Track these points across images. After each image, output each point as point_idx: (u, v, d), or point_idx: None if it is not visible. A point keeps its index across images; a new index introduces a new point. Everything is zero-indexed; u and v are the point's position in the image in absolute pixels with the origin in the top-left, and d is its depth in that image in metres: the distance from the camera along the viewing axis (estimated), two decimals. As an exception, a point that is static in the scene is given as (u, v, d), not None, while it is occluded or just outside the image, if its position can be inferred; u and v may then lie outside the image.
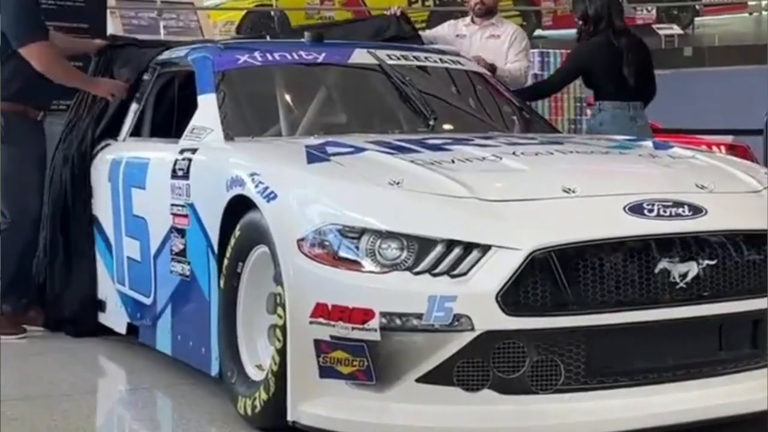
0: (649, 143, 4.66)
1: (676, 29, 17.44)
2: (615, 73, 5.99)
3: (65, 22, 7.16)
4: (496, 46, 6.31)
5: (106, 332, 5.47)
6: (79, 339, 5.53)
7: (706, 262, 3.62)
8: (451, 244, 3.47)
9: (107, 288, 5.40)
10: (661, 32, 17.24)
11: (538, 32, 18.57)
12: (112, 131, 5.66)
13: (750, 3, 20.83)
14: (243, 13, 15.83)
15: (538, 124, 5.48)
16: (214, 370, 4.21)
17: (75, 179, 5.58)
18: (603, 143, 4.65)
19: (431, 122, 4.97)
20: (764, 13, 21.34)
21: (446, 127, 5.08)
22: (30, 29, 5.55)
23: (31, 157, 5.64)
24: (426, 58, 5.53)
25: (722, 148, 8.82)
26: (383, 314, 3.44)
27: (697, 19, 19.30)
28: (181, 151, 4.65)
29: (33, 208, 5.60)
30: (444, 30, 6.66)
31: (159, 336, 4.78)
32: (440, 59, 5.58)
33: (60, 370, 5.01)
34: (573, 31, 7.03)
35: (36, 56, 5.48)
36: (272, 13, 15.83)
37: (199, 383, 4.45)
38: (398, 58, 5.35)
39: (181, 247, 4.51)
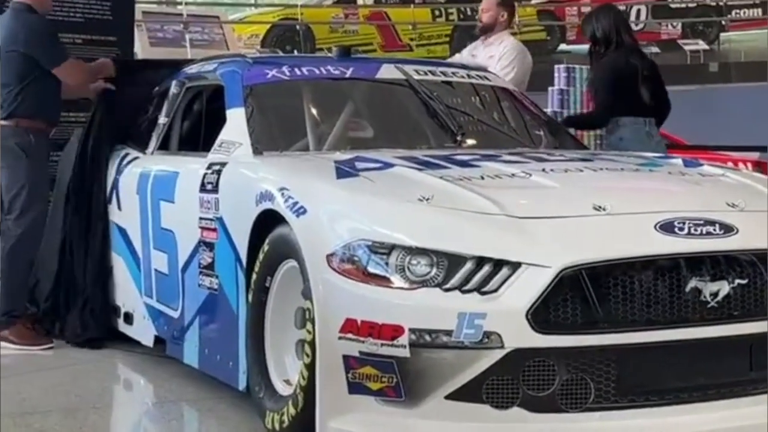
0: (678, 161, 4.64)
1: (701, 44, 17.42)
2: (631, 90, 6.03)
3: (93, 35, 7.21)
4: (491, 65, 6.35)
5: (124, 341, 5.49)
6: (105, 351, 5.54)
7: (737, 281, 3.60)
8: (481, 261, 3.46)
9: (134, 300, 5.41)
10: (686, 47, 17.22)
11: (562, 47, 18.59)
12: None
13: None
14: (268, 26, 15.88)
15: (565, 140, 5.47)
16: (242, 385, 4.21)
17: (95, 194, 5.81)
18: (632, 160, 4.63)
19: (458, 137, 4.97)
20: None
21: (474, 142, 5.07)
22: (60, 51, 5.97)
23: (45, 170, 5.94)
24: (453, 73, 5.53)
25: (748, 164, 8.76)
26: (413, 331, 3.43)
27: (722, 34, 19.26)
28: (210, 165, 4.66)
29: (44, 218, 5.84)
30: (469, 48, 6.84)
31: (186, 349, 4.78)
32: (467, 74, 5.57)
33: (87, 382, 5.02)
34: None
35: (69, 73, 5.91)
36: (297, 26, 15.88)
37: (226, 397, 4.45)
38: (425, 74, 5.34)
39: (210, 260, 4.52)
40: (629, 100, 6.01)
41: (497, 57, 6.38)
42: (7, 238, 5.67)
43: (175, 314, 4.89)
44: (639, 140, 5.84)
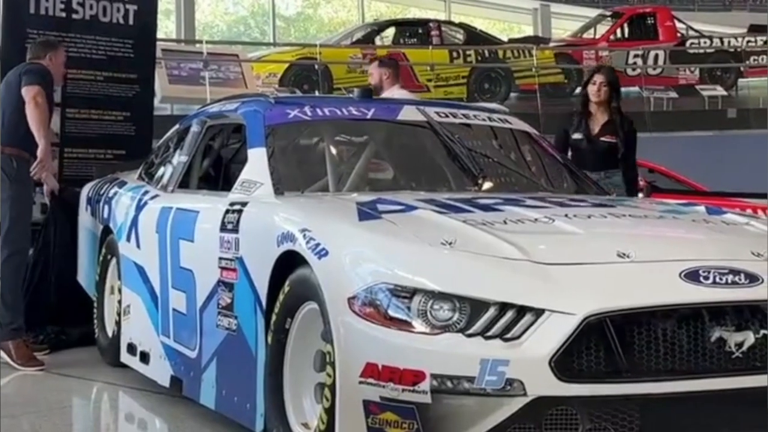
0: (701, 208, 4.61)
1: (719, 90, 17.39)
2: None
3: (115, 72, 7.26)
4: None
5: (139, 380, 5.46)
6: (120, 390, 5.51)
7: (762, 331, 3.55)
8: (504, 306, 3.43)
9: (151, 339, 5.38)
10: (704, 93, 17.20)
11: (579, 90, 18.58)
12: None
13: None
14: (286, 65, 15.93)
15: (585, 184, 5.44)
16: (259, 427, 4.16)
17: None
18: (655, 207, 4.60)
19: (480, 181, 4.94)
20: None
21: (495, 186, 5.04)
22: (39, 78, 6.12)
23: (29, 193, 6.23)
24: (474, 116, 5.52)
25: (768, 212, 8.71)
26: (434, 376, 3.39)
27: (740, 80, 19.25)
28: (231, 205, 4.63)
29: (28, 236, 6.25)
30: None
31: (203, 390, 4.73)
32: (488, 117, 5.56)
33: (102, 421, 4.99)
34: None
35: (32, 95, 6.03)
36: (315, 66, 15.93)
37: (242, 439, 4.41)
38: (447, 116, 5.33)
39: (229, 301, 4.49)
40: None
41: None
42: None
43: (193, 354, 4.85)
44: None
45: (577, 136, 6.88)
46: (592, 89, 6.89)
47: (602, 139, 6.85)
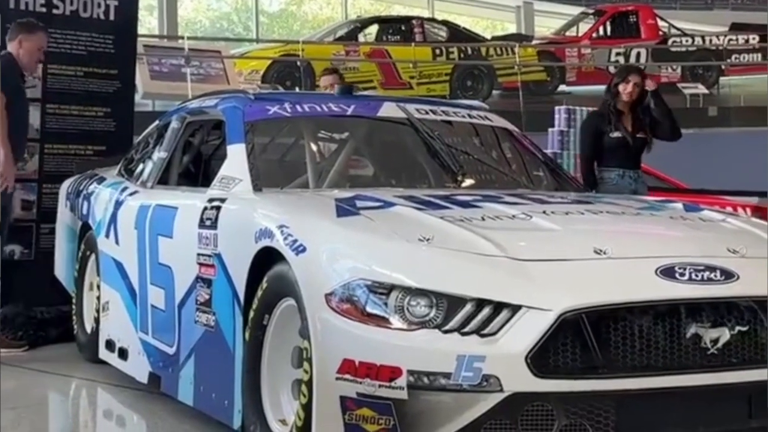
0: (679, 205, 4.63)
1: (701, 88, 17.45)
2: None
3: (95, 68, 7.24)
4: None
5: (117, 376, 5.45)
6: (99, 386, 5.49)
7: (738, 328, 3.57)
8: (481, 303, 3.43)
9: (130, 336, 5.36)
10: (685, 91, 17.24)
11: (562, 88, 18.64)
12: None
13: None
14: (269, 62, 15.91)
15: (566, 182, 5.45)
16: (237, 423, 4.16)
17: None
18: (633, 204, 4.62)
19: (459, 177, 4.95)
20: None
21: (474, 182, 5.05)
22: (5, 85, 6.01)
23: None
24: (454, 113, 5.52)
25: (747, 209, 8.75)
26: (411, 372, 3.39)
27: (722, 78, 19.31)
28: (210, 201, 4.62)
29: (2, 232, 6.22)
30: None
31: (181, 386, 4.72)
32: (468, 114, 5.56)
33: (79, 417, 4.98)
34: (597, 87, 7.19)
35: None
36: (298, 63, 15.91)
37: (220, 436, 4.41)
38: (426, 113, 5.33)
39: (207, 297, 4.48)
40: None
41: None
42: None
43: (171, 351, 4.84)
44: None
45: (617, 134, 6.88)
46: (625, 88, 6.88)
47: (637, 135, 6.94)
